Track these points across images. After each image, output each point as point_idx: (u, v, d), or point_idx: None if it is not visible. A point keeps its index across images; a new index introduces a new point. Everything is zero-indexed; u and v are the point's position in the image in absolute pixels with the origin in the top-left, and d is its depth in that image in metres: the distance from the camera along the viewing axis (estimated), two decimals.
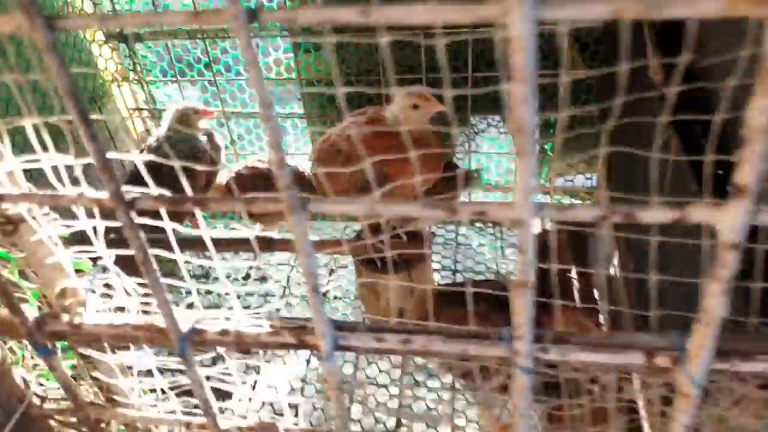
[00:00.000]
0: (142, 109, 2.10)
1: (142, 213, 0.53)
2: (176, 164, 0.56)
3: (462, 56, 1.76)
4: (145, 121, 2.13)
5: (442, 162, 1.52)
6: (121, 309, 0.67)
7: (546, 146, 1.94)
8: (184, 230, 0.61)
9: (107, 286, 0.65)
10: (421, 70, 1.80)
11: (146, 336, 0.63)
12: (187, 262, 0.63)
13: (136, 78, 2.06)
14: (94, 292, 0.66)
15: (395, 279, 1.51)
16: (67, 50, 1.78)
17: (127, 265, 0.64)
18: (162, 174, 0.66)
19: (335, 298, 1.96)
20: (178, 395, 0.73)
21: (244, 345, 0.62)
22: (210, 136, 1.86)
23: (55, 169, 0.58)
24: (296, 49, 1.91)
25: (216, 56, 1.98)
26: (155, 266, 0.55)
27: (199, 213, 0.59)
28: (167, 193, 0.52)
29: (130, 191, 0.51)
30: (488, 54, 1.78)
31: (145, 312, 0.64)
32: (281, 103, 2.11)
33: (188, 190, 0.63)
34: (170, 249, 0.61)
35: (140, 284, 0.64)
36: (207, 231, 0.61)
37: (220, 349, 0.64)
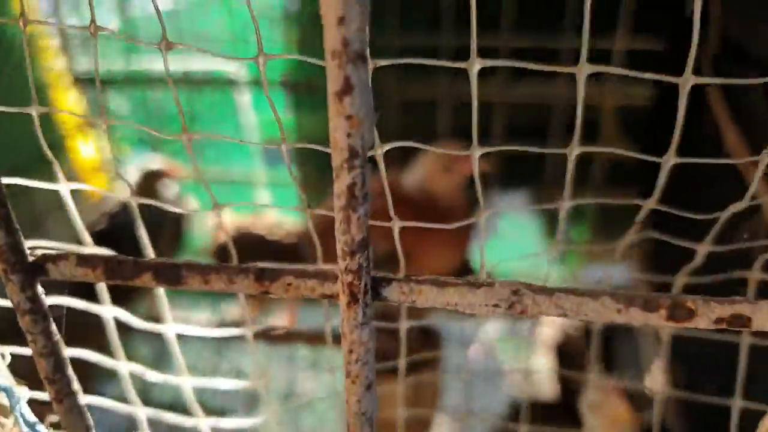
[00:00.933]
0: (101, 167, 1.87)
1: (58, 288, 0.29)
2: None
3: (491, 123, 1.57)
4: (109, 182, 1.89)
5: (473, 236, 1.30)
6: None
7: (575, 232, 1.74)
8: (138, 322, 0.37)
9: None
10: (444, 135, 1.59)
11: None
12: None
13: (104, 131, 1.84)
14: None
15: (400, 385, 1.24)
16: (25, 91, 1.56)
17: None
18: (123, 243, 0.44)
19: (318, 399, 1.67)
20: None
21: None
22: (178, 201, 1.63)
23: None
24: (296, 107, 1.71)
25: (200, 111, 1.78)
26: (73, 384, 0.31)
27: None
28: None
29: (37, 246, 0.27)
30: (522, 121, 1.59)
31: None
32: (274, 166, 1.88)
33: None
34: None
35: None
36: (171, 327, 0.36)
37: None
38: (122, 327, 0.39)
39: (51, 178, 0.40)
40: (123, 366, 0.38)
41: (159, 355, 1.85)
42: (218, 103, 1.77)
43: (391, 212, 0.33)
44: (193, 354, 1.71)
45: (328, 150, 0.23)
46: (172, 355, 0.40)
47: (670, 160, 0.30)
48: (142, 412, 0.40)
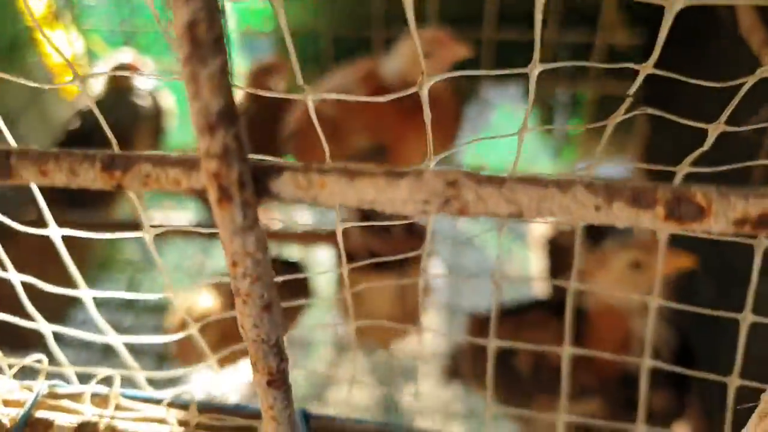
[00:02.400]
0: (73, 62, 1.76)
1: None
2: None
3: (479, 7, 1.45)
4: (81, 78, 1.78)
5: (458, 129, 1.21)
6: None
7: (571, 126, 1.65)
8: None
9: None
10: (427, 23, 1.48)
11: None
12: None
13: (72, 23, 1.71)
14: None
15: (387, 280, 1.20)
16: None
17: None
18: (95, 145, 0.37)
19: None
20: None
21: None
22: (154, 96, 1.53)
23: None
24: None
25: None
26: None
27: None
28: None
29: None
30: (514, 9, 1.47)
31: None
32: (254, 58, 1.76)
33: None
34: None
35: None
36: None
37: None
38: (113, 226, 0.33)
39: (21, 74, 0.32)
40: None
41: (148, 254, 1.82)
42: None
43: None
44: (178, 254, 1.67)
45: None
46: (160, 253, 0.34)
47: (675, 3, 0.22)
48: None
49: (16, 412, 0.31)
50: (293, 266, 1.29)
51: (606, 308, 0.89)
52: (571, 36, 1.52)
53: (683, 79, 0.27)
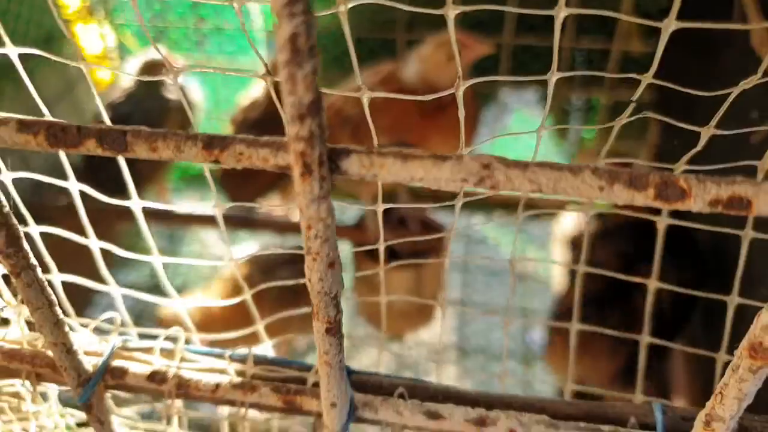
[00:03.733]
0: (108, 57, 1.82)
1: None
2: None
3: (499, 17, 1.49)
4: (113, 72, 1.85)
5: (477, 130, 1.26)
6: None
7: (586, 132, 1.69)
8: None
9: None
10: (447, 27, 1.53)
11: (28, 370, 0.37)
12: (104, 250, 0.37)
13: (105, 18, 1.77)
14: None
15: (403, 274, 1.25)
16: None
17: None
18: None
19: None
20: None
21: (188, 398, 0.36)
22: (183, 92, 1.58)
23: None
24: None
25: None
26: (30, 258, 0.29)
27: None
28: None
29: None
30: (532, 16, 1.51)
31: (30, 325, 0.38)
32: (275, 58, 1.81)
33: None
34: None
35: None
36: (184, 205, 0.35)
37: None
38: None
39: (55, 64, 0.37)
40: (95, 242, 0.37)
41: (170, 238, 1.88)
42: None
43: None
44: (199, 243, 1.73)
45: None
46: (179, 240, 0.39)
47: (670, 25, 0.27)
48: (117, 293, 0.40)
49: (97, 361, 0.36)
50: None
51: None
52: (587, 43, 1.55)
53: (674, 86, 0.32)
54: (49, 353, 0.37)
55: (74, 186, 0.36)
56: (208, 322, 1.17)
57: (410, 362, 1.50)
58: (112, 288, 0.39)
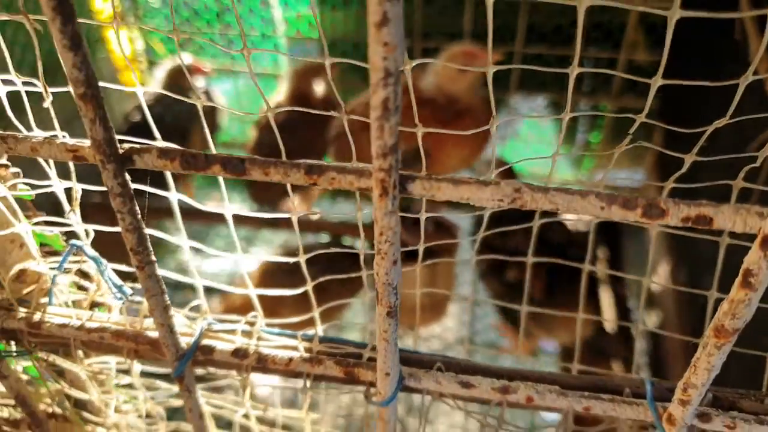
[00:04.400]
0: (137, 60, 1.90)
1: (135, 176, 0.35)
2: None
3: (511, 27, 1.57)
4: (141, 74, 1.93)
5: (489, 136, 1.34)
6: (99, 305, 0.49)
7: (592, 137, 1.76)
8: (195, 203, 0.43)
9: (82, 274, 0.47)
10: (461, 37, 1.60)
11: (130, 348, 0.45)
12: (194, 248, 0.45)
13: (135, 24, 1.86)
14: (62, 272, 0.48)
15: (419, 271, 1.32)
16: None
17: (108, 244, 0.46)
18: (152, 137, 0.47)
19: None
20: (169, 417, 0.56)
21: (266, 372, 0.44)
22: (208, 95, 1.67)
23: (14, 99, 0.40)
24: (322, 4, 1.70)
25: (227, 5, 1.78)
26: (152, 255, 0.37)
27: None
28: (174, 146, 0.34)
29: (126, 140, 0.33)
30: (542, 26, 1.59)
31: (133, 312, 0.46)
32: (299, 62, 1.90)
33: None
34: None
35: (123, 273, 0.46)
36: (228, 207, 0.43)
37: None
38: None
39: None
40: (185, 242, 0.45)
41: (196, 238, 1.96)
42: None
43: (416, 119, 0.38)
44: (223, 241, 1.81)
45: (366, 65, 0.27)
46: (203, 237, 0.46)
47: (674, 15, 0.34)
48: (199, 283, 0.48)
49: (188, 340, 0.44)
50: (354, 256, 1.42)
51: None
52: (595, 52, 1.63)
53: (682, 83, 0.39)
54: (148, 333, 0.45)
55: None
56: (240, 308, 1.25)
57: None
58: (197, 279, 0.47)
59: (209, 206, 0.40)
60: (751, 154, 0.39)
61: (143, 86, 0.45)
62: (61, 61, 0.29)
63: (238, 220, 0.48)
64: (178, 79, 1.67)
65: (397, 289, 0.35)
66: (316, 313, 0.48)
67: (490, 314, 1.68)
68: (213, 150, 0.41)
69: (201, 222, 1.74)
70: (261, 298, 0.49)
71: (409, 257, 0.56)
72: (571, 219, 1.57)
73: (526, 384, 0.41)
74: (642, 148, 1.68)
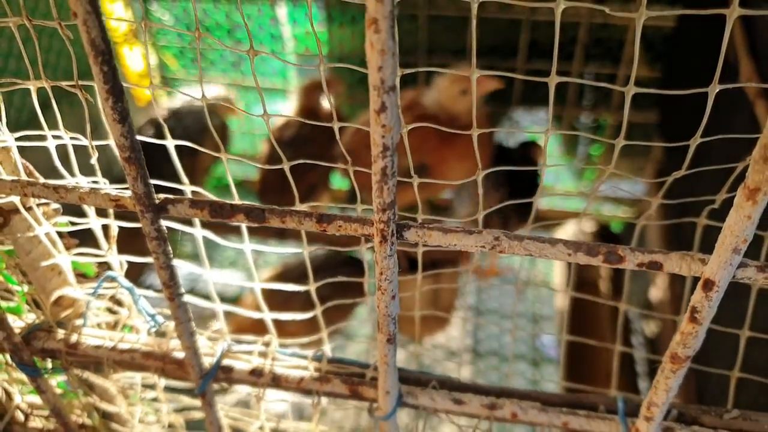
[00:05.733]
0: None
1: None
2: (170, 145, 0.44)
3: (512, 43, 1.62)
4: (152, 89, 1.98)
5: (490, 152, 1.39)
6: (125, 325, 0.55)
7: (593, 149, 1.81)
8: (219, 240, 0.48)
9: (114, 300, 0.53)
10: (464, 54, 1.66)
11: (158, 366, 0.51)
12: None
13: (149, 41, 1.92)
14: (96, 298, 0.53)
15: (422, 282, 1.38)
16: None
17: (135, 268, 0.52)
18: (165, 150, 0.51)
19: None
20: (189, 428, 0.61)
21: (280, 389, 0.49)
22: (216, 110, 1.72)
23: (60, 149, 0.46)
24: (330, 21, 1.76)
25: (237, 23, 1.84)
26: (181, 288, 0.43)
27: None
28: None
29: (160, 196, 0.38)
30: (543, 43, 1.64)
31: (159, 334, 0.52)
32: (308, 76, 1.95)
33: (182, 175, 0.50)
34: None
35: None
36: (248, 245, 0.48)
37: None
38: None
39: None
40: (209, 273, 0.50)
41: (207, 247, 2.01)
42: (257, 16, 1.82)
43: (412, 171, 0.43)
44: (233, 250, 1.87)
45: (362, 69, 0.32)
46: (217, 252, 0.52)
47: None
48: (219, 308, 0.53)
49: (210, 360, 0.49)
50: (357, 263, 1.47)
51: None
52: (595, 68, 1.68)
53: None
54: (175, 354, 0.50)
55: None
56: (244, 321, 1.31)
57: (428, 363, 1.63)
58: (217, 305, 0.52)
59: (230, 243, 0.45)
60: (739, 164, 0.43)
61: (155, 101, 0.50)
62: (110, 131, 0.34)
63: (249, 230, 0.53)
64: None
65: (395, 319, 0.40)
66: (318, 311, 0.53)
67: (493, 323, 1.72)
68: (225, 161, 0.46)
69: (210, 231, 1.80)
70: (270, 297, 0.54)
71: (413, 268, 0.61)
72: (571, 232, 1.62)
73: (511, 401, 0.46)
74: (642, 160, 1.73)
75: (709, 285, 0.33)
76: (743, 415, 0.44)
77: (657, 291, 1.51)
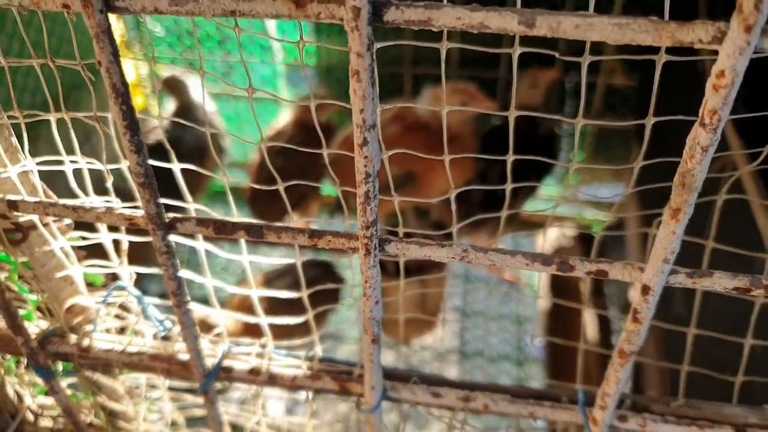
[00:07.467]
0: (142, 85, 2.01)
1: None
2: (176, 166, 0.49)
3: (495, 54, 1.68)
4: (145, 99, 2.03)
5: (475, 163, 1.45)
6: (136, 332, 0.60)
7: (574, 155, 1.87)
8: (224, 254, 0.53)
9: (122, 307, 0.58)
10: (450, 65, 1.71)
11: (164, 368, 0.56)
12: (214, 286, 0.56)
13: (141, 51, 1.96)
14: (105, 306, 0.58)
15: (408, 287, 1.43)
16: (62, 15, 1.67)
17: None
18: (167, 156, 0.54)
19: None
20: (189, 425, 0.66)
21: (276, 386, 0.54)
22: (210, 118, 1.75)
23: (76, 172, 0.50)
24: (318, 32, 1.81)
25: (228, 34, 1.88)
26: (187, 296, 0.48)
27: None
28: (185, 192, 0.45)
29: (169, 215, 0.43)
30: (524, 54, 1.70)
31: (164, 338, 0.57)
32: (297, 85, 2.00)
33: (183, 188, 0.55)
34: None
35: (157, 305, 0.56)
36: (247, 257, 0.53)
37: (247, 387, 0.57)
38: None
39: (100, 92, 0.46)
40: (210, 281, 0.55)
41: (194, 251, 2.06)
42: (246, 27, 1.87)
43: (393, 192, 0.48)
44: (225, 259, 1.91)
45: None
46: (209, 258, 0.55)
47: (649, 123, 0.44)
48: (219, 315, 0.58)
49: (212, 361, 0.54)
50: (328, 267, 1.52)
51: None
52: (575, 76, 1.74)
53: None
54: (180, 356, 0.55)
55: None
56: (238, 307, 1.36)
57: (416, 363, 1.68)
58: (218, 312, 0.57)
59: (229, 255, 0.50)
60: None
61: (147, 110, 0.55)
62: (128, 160, 0.39)
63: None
64: (184, 99, 1.73)
65: (379, 323, 0.45)
66: (310, 315, 0.59)
67: (479, 325, 1.78)
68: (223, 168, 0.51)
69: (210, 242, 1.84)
70: (261, 300, 0.59)
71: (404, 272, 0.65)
72: (554, 235, 1.68)
73: (483, 394, 0.51)
74: (623, 164, 1.79)
75: (646, 290, 0.38)
76: (687, 403, 0.49)
77: (635, 292, 1.57)
